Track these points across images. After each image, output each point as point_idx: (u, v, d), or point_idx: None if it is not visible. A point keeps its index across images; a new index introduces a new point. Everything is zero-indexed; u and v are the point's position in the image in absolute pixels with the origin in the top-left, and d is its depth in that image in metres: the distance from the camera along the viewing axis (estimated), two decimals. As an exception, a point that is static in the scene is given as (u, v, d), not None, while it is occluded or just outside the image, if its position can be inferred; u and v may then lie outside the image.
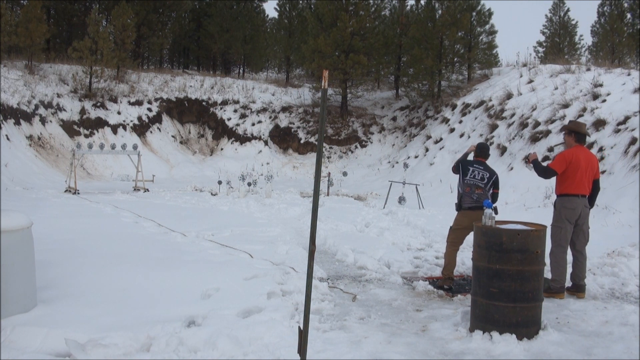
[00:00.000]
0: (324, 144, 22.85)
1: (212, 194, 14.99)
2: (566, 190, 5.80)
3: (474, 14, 22.35)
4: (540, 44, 33.58)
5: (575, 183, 5.74)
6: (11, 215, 4.26)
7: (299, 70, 35.55)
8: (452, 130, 18.62)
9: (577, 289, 5.74)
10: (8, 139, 16.95)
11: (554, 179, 6.04)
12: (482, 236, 4.45)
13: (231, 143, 23.88)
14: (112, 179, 18.92)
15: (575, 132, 5.96)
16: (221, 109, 24.79)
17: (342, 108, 24.73)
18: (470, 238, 5.85)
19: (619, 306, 5.26)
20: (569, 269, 5.92)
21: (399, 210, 11.87)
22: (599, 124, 12.43)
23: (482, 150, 6.39)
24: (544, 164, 6.13)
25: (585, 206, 5.81)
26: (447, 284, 6.03)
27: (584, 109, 13.50)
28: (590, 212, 6.04)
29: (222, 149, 23.70)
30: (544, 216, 7.24)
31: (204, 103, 24.81)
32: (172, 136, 23.62)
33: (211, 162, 22.46)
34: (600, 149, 11.65)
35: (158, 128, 23.28)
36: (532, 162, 6.13)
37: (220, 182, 15.71)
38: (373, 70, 25.72)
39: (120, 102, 22.85)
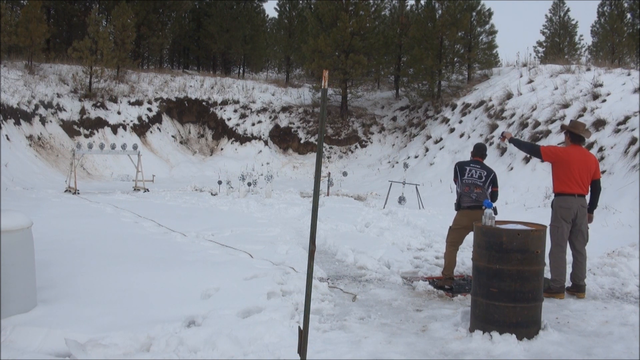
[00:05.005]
0: (324, 144, 22.85)
1: (212, 194, 14.98)
2: (561, 189, 5.82)
3: (474, 14, 22.34)
4: (540, 44, 33.58)
5: (570, 182, 5.74)
6: (11, 215, 4.26)
7: (299, 70, 35.55)
8: (452, 130, 18.61)
9: (577, 289, 5.74)
10: (8, 139, 16.95)
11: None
12: (482, 236, 4.45)
13: (231, 143, 23.88)
14: (112, 179, 18.92)
15: (570, 132, 5.98)
16: (221, 109, 24.79)
17: (342, 108, 24.73)
18: (470, 238, 5.85)
19: (619, 306, 5.26)
20: (569, 269, 5.92)
21: (399, 210, 11.87)
22: (599, 124, 12.43)
23: (478, 150, 6.40)
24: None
25: (583, 206, 5.79)
26: (447, 284, 6.03)
27: (584, 109, 13.50)
28: (590, 212, 6.05)
29: (222, 149, 23.70)
30: (544, 216, 7.24)
31: (204, 103, 24.82)
32: (172, 136, 23.62)
33: (211, 162, 22.45)
34: (600, 149, 11.65)
35: (158, 128, 23.28)
36: (510, 140, 6.15)
37: (220, 182, 15.71)
38: (373, 70, 25.71)
39: (120, 102, 22.85)
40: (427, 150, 18.96)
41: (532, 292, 4.26)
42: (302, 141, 23.83)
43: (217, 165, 21.75)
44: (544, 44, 33.24)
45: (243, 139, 23.91)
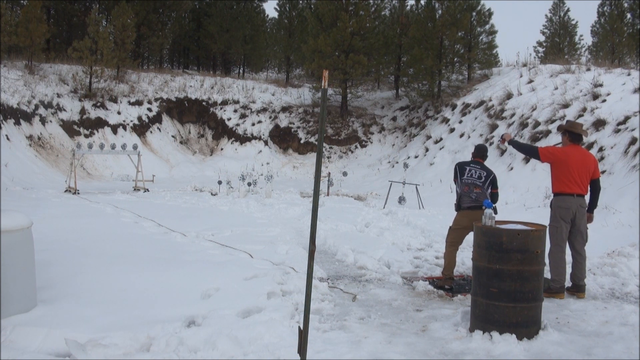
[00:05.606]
0: (324, 144, 22.85)
1: (212, 194, 14.98)
2: (560, 189, 5.82)
3: (474, 14, 22.35)
4: (540, 44, 33.59)
5: (569, 182, 5.74)
6: (11, 215, 4.26)
7: (299, 70, 35.56)
8: (452, 130, 18.62)
9: (577, 289, 5.73)
10: (8, 139, 16.95)
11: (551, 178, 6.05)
12: (482, 236, 4.44)
13: (231, 143, 23.89)
14: (112, 179, 18.92)
15: (568, 132, 5.98)
16: (221, 109, 24.79)
17: (342, 108, 24.73)
18: (470, 238, 5.85)
19: (619, 306, 5.26)
20: (569, 269, 5.92)
21: (399, 210, 11.87)
22: (599, 124, 12.43)
23: (479, 151, 6.40)
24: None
25: (581, 206, 5.79)
26: (447, 284, 6.03)
27: (584, 109, 13.50)
28: (590, 212, 6.05)
29: (222, 149, 23.71)
30: (544, 216, 7.24)
31: (204, 103, 24.82)
32: (172, 136, 23.62)
33: (211, 162, 22.46)
34: (600, 149, 11.65)
35: (158, 128, 23.28)
36: (509, 142, 6.14)
37: (220, 182, 15.71)
38: (373, 70, 25.72)
39: (120, 102, 22.85)
40: (427, 150, 18.96)
41: (532, 292, 4.26)
42: (302, 141, 23.83)
43: (217, 165, 21.75)
44: (544, 44, 33.25)
45: (243, 139, 23.91)
